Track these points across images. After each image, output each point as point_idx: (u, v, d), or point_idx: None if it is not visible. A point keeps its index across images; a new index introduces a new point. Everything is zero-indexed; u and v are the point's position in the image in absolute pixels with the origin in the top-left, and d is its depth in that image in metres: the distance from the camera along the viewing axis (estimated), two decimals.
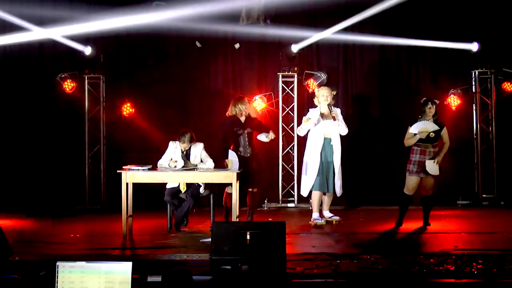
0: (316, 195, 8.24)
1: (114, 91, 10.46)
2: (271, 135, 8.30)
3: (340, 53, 10.52)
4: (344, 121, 8.27)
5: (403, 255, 6.15)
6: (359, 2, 9.72)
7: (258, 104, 9.96)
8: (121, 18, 9.52)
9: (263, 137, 8.39)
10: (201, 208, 8.80)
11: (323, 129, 8.18)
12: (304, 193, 8.37)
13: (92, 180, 10.53)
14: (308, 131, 8.25)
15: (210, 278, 5.13)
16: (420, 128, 7.77)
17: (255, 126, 8.35)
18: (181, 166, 7.69)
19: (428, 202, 8.04)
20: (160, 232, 7.78)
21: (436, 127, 7.76)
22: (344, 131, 8.21)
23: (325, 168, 8.14)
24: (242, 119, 8.23)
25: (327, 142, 8.18)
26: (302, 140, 9.68)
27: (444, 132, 7.91)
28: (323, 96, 8.21)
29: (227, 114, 8.29)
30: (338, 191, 8.27)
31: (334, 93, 8.36)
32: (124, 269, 4.26)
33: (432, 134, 7.78)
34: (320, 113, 8.21)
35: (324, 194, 8.34)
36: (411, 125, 7.87)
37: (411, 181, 7.92)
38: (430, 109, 7.84)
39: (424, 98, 8.03)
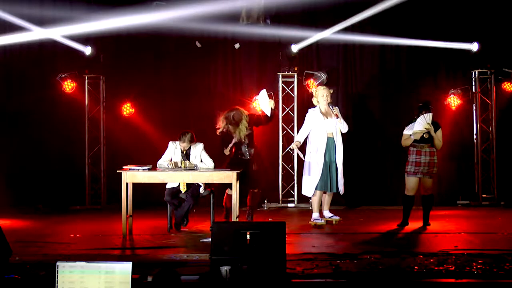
0: (317, 195, 8.24)
1: (114, 91, 10.47)
2: (272, 103, 8.27)
3: (340, 53, 10.52)
4: (344, 120, 8.28)
5: (403, 255, 6.15)
6: (359, 2, 9.73)
7: (258, 104, 9.95)
8: (121, 18, 9.53)
9: (266, 105, 8.32)
10: (201, 208, 8.80)
11: (326, 128, 8.19)
12: (309, 193, 8.30)
13: (92, 180, 10.54)
14: (310, 133, 8.24)
15: (198, 278, 5.15)
16: (414, 129, 7.84)
17: (253, 123, 8.32)
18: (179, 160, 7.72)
19: (428, 201, 8.06)
20: (160, 232, 7.78)
21: (427, 126, 7.78)
22: (346, 128, 8.23)
23: (328, 167, 8.15)
24: None
25: (330, 141, 8.19)
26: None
27: (438, 133, 7.90)
28: (323, 96, 8.23)
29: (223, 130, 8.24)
30: (342, 189, 8.27)
31: (331, 91, 8.36)
32: (124, 269, 4.26)
33: (427, 135, 7.82)
34: (321, 113, 8.22)
35: (325, 193, 8.33)
36: (407, 126, 7.92)
37: (410, 182, 7.94)
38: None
39: (420, 104, 8.03)
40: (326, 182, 8.14)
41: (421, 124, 7.79)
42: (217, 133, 8.24)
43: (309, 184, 8.22)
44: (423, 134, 7.81)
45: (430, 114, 7.82)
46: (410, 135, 7.88)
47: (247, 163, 8.20)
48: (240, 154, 8.24)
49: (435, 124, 7.92)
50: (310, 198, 8.68)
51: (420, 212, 8.16)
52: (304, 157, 8.28)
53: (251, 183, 8.24)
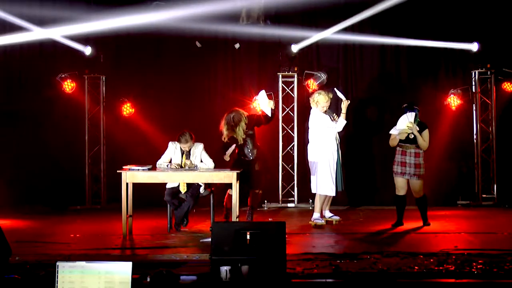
0: (323, 195, 8.23)
1: (114, 91, 10.47)
2: (271, 103, 8.26)
3: (340, 53, 10.51)
4: (343, 119, 8.30)
5: (403, 255, 6.16)
6: (359, 2, 9.73)
7: (258, 105, 9.95)
8: (121, 18, 9.53)
9: (265, 105, 8.30)
10: (201, 208, 8.80)
11: (336, 130, 8.25)
12: (331, 192, 8.21)
13: (92, 180, 10.54)
14: (319, 132, 8.25)
15: (196, 279, 5.16)
16: (397, 128, 7.90)
17: (254, 124, 8.31)
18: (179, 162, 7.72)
19: (421, 203, 8.11)
20: (160, 232, 7.79)
21: (406, 126, 7.82)
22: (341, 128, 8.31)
23: (337, 167, 8.23)
24: None
25: (336, 140, 8.27)
26: (302, 140, 9.71)
27: (424, 133, 7.90)
28: (323, 107, 8.23)
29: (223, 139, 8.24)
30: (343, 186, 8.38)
31: (331, 96, 8.34)
32: (124, 269, 4.27)
33: (412, 135, 7.84)
34: (331, 118, 8.24)
35: None
36: (395, 126, 7.98)
37: (398, 182, 8.02)
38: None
39: (405, 105, 8.06)
40: (340, 181, 8.23)
41: (403, 123, 7.85)
42: (224, 141, 8.22)
43: (328, 183, 8.15)
44: (408, 134, 7.85)
45: (413, 113, 7.87)
46: (396, 135, 7.92)
47: (249, 163, 8.19)
48: (242, 155, 8.24)
49: (422, 124, 7.94)
50: (311, 199, 8.65)
51: (418, 213, 8.17)
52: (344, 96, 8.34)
53: (253, 184, 8.25)
